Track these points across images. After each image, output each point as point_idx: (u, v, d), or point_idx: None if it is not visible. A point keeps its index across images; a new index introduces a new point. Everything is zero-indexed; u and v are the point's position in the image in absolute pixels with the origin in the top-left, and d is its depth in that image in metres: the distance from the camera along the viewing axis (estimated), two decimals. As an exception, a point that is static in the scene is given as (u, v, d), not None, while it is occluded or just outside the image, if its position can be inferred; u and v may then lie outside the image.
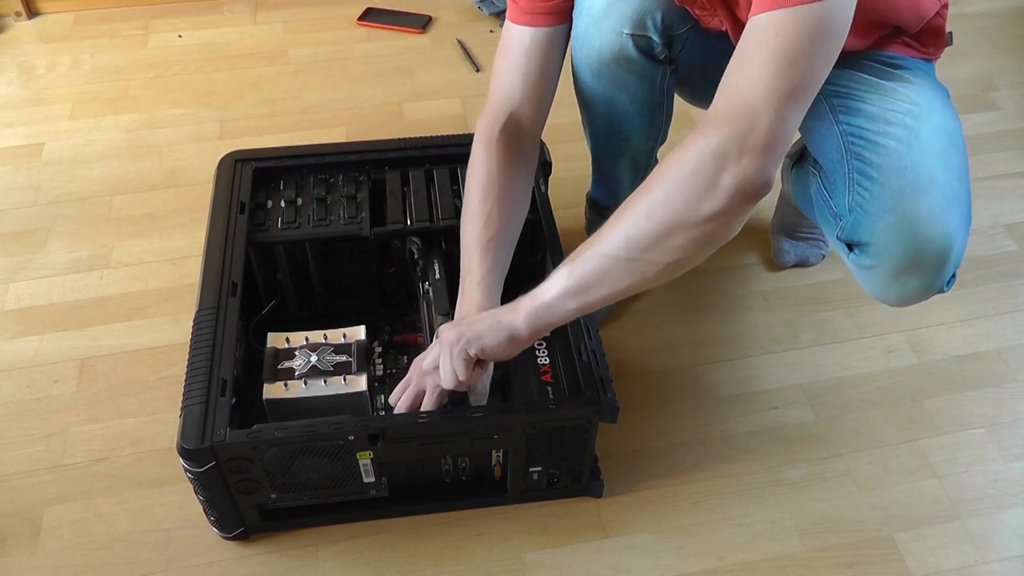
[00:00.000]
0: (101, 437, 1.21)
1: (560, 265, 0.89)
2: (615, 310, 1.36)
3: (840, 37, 0.77)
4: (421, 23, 2.00)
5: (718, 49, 1.09)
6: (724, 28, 1.03)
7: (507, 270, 1.06)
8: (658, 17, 1.08)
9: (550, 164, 1.28)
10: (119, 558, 1.08)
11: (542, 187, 1.23)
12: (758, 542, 1.10)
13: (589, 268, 0.86)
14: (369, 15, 2.03)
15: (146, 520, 1.12)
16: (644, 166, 1.27)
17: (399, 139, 1.29)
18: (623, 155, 1.25)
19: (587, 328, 1.07)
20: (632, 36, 1.10)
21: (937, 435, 1.22)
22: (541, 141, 1.28)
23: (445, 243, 1.20)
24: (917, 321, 1.35)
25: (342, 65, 1.89)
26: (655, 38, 1.10)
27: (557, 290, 0.88)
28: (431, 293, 1.15)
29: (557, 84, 1.10)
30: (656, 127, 1.22)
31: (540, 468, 1.08)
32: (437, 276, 1.16)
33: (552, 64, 1.08)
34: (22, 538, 1.10)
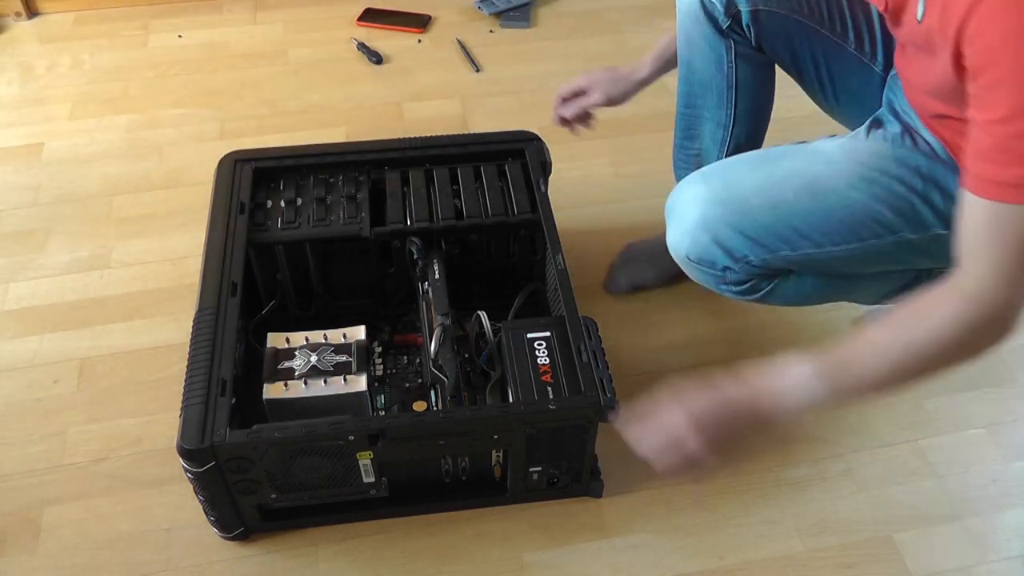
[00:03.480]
0: (101, 437, 1.21)
1: (814, 371, 0.87)
2: (615, 310, 1.36)
3: None
4: (421, 23, 2.00)
5: (803, 44, 1.13)
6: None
7: (666, 71, 1.26)
8: None
9: (550, 164, 1.28)
10: (119, 558, 1.08)
11: (542, 187, 1.23)
12: (758, 542, 1.10)
13: (845, 387, 0.87)
14: (369, 15, 2.02)
15: (146, 520, 1.12)
16: (713, 157, 1.27)
17: (399, 139, 1.29)
18: (694, 136, 1.28)
19: (587, 328, 1.07)
20: None
21: (937, 435, 1.22)
22: (541, 141, 1.29)
23: (445, 243, 1.20)
24: (917, 321, 1.35)
25: (342, 65, 1.89)
26: (719, 4, 1.13)
27: (812, 398, 0.87)
28: (431, 293, 1.15)
29: None
30: (724, 113, 1.22)
31: (540, 468, 1.08)
32: (437, 276, 1.16)
33: None
34: (22, 538, 1.10)
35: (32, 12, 2.03)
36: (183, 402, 0.98)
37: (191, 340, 1.04)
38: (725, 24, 1.15)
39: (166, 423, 1.20)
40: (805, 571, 1.08)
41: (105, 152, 1.67)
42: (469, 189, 1.24)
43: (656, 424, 0.91)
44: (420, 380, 1.17)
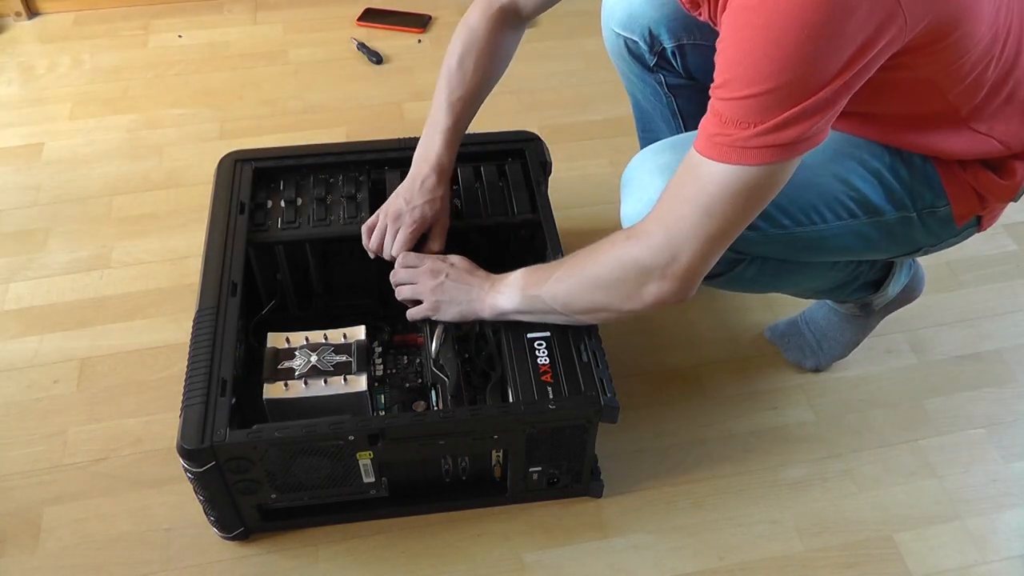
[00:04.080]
0: (101, 437, 1.21)
1: (522, 278, 1.04)
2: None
3: (765, 201, 0.84)
4: (421, 23, 2.00)
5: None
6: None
7: (469, 124, 1.17)
8: (647, 24, 1.13)
9: (550, 164, 1.28)
10: (119, 558, 1.08)
11: (542, 187, 1.23)
12: (758, 542, 1.10)
13: (536, 305, 1.03)
14: (369, 15, 2.02)
15: (146, 520, 1.12)
16: None
17: (399, 139, 1.29)
18: None
19: (587, 328, 1.07)
20: (622, 36, 1.14)
21: (937, 435, 1.22)
22: (541, 141, 1.29)
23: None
24: (917, 321, 1.35)
25: (342, 65, 1.89)
26: (642, 44, 1.14)
27: (511, 306, 1.04)
28: None
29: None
30: (677, 134, 1.23)
31: (540, 468, 1.08)
32: None
33: None
34: (22, 538, 1.10)
35: (32, 12, 2.03)
36: (183, 402, 0.98)
37: (191, 340, 1.04)
38: (652, 62, 1.19)
39: (166, 423, 1.20)
40: (805, 571, 1.08)
41: (105, 152, 1.67)
42: (469, 189, 1.23)
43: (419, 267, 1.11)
44: (420, 380, 1.17)
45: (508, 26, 1.14)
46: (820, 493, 1.15)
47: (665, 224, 0.86)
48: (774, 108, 0.75)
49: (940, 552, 1.09)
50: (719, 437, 1.22)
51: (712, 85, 0.79)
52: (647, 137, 1.34)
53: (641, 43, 1.17)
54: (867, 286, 1.17)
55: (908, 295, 1.22)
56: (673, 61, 1.19)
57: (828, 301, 1.24)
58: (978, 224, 1.01)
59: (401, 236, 1.12)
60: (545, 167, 1.27)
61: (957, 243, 1.04)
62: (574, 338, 1.07)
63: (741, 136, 0.77)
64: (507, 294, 1.04)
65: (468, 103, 1.14)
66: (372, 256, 1.15)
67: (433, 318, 1.09)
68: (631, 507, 1.13)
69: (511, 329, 1.07)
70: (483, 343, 1.12)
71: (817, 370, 1.28)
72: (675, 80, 1.22)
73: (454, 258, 1.11)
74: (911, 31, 0.76)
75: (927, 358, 1.32)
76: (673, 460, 1.19)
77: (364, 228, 1.15)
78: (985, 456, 1.19)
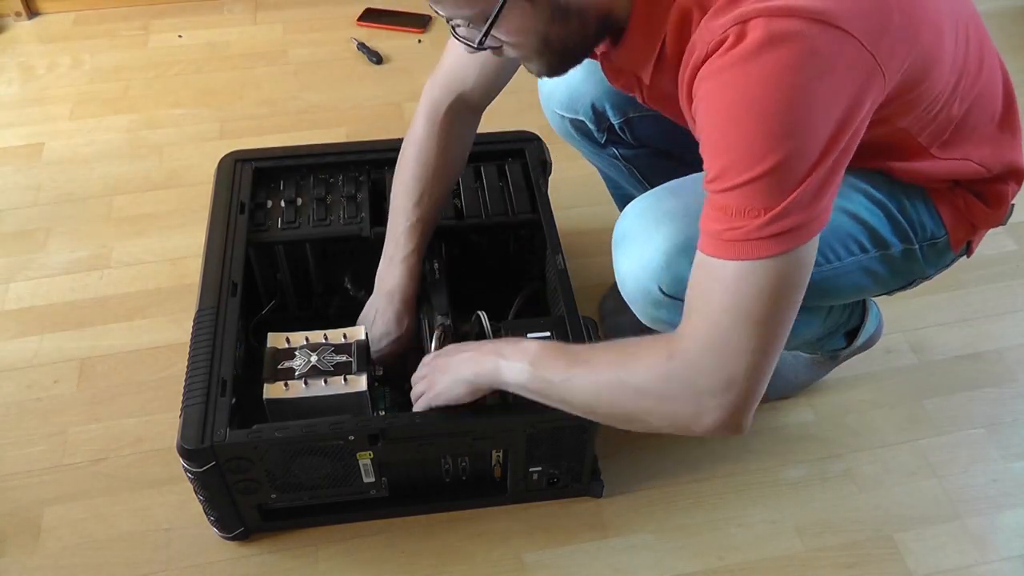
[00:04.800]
0: (101, 437, 1.21)
1: (537, 353, 0.88)
2: (616, 313, 1.36)
3: (803, 287, 0.74)
4: (421, 23, 2.00)
5: (678, 133, 1.06)
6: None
7: (431, 234, 1.13)
8: (591, 101, 1.11)
9: (550, 164, 1.28)
10: (119, 558, 1.08)
11: (542, 187, 1.23)
12: (758, 542, 1.10)
13: (546, 390, 0.87)
14: (369, 15, 2.02)
15: (146, 520, 1.12)
16: None
17: (399, 139, 1.28)
18: None
19: (587, 328, 1.07)
20: (566, 118, 1.13)
21: (937, 435, 1.22)
22: (541, 141, 1.29)
23: (445, 243, 1.20)
24: (917, 321, 1.35)
25: (342, 65, 1.89)
26: (589, 123, 1.14)
27: (517, 380, 0.89)
28: (430, 292, 1.14)
29: (511, 77, 1.07)
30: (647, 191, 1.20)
31: (540, 468, 1.08)
32: (437, 275, 1.15)
33: (514, 67, 1.05)
34: (22, 538, 1.10)
35: (32, 12, 2.03)
36: (183, 402, 0.98)
37: (191, 340, 1.04)
38: (602, 139, 1.17)
39: (166, 423, 1.20)
40: (805, 571, 1.08)
41: (105, 152, 1.67)
42: (469, 189, 1.23)
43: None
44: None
45: (460, 124, 1.10)
46: (820, 493, 1.15)
47: (711, 344, 0.74)
48: (780, 188, 0.69)
49: (940, 552, 1.09)
50: (719, 437, 1.21)
51: (705, 179, 0.73)
52: (619, 195, 1.32)
53: (587, 122, 1.15)
54: (845, 336, 1.19)
55: (869, 343, 1.23)
56: (622, 134, 1.16)
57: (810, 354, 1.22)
58: (967, 250, 0.99)
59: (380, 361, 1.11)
60: (545, 167, 1.27)
61: (944, 271, 1.01)
62: (574, 338, 1.07)
63: (755, 225, 0.70)
64: (515, 365, 0.88)
65: (429, 221, 1.10)
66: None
67: (428, 397, 0.98)
68: (631, 507, 1.13)
69: (511, 329, 1.07)
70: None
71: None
72: (628, 151, 1.19)
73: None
74: (890, 84, 0.73)
75: (927, 358, 1.32)
76: (673, 460, 1.19)
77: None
78: (985, 456, 1.19)
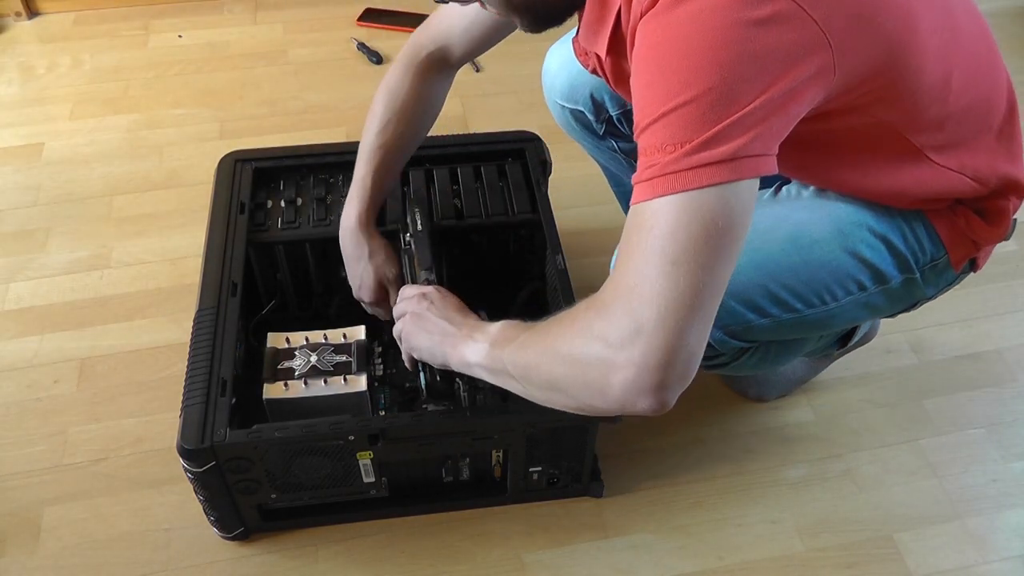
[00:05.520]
0: (101, 437, 1.21)
1: (498, 332, 0.84)
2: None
3: (733, 238, 0.67)
4: (421, 23, 2.00)
5: None
6: None
7: (396, 177, 1.13)
8: (589, 92, 1.11)
9: (550, 164, 1.28)
10: (119, 558, 1.08)
11: (542, 187, 1.23)
12: (758, 542, 1.10)
13: (496, 366, 0.83)
14: (369, 15, 2.02)
15: (146, 520, 1.12)
16: None
17: (399, 139, 1.29)
18: None
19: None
20: (567, 108, 1.13)
21: (937, 435, 1.22)
22: (541, 141, 1.29)
23: (445, 243, 1.20)
24: (917, 321, 1.35)
25: (342, 65, 1.89)
26: (588, 114, 1.13)
27: (476, 359, 0.86)
28: (413, 246, 1.11)
29: (495, 44, 1.09)
30: None
31: (540, 468, 1.08)
32: (419, 227, 1.12)
33: (499, 33, 1.06)
34: (22, 538, 1.10)
35: (32, 12, 2.03)
36: (183, 402, 0.98)
37: (191, 340, 1.04)
38: (601, 130, 1.18)
39: (166, 423, 1.20)
40: (805, 571, 1.08)
41: (105, 152, 1.67)
42: (469, 189, 1.23)
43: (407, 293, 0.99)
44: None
45: (436, 72, 1.11)
46: (820, 493, 1.15)
47: (621, 288, 0.68)
48: (697, 121, 0.64)
49: (940, 552, 1.09)
50: (719, 437, 1.22)
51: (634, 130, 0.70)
52: (622, 192, 1.33)
53: (587, 112, 1.15)
54: (837, 341, 1.18)
55: (864, 340, 1.23)
56: (620, 127, 1.17)
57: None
58: (973, 266, 0.97)
59: (371, 309, 1.14)
60: (545, 167, 1.27)
61: (952, 288, 1.00)
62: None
63: (671, 158, 0.65)
64: (477, 346, 0.86)
65: (391, 150, 1.10)
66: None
67: (402, 343, 0.97)
68: (631, 507, 1.13)
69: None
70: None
71: (759, 400, 1.25)
72: (627, 144, 1.19)
73: (446, 292, 0.97)
74: (845, 67, 0.69)
75: (927, 358, 1.32)
76: (673, 460, 1.19)
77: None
78: (985, 456, 1.19)
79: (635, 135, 0.69)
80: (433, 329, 0.93)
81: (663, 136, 0.66)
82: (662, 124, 0.66)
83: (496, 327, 0.86)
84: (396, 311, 1.00)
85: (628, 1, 0.73)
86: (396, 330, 0.99)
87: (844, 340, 1.20)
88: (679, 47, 0.65)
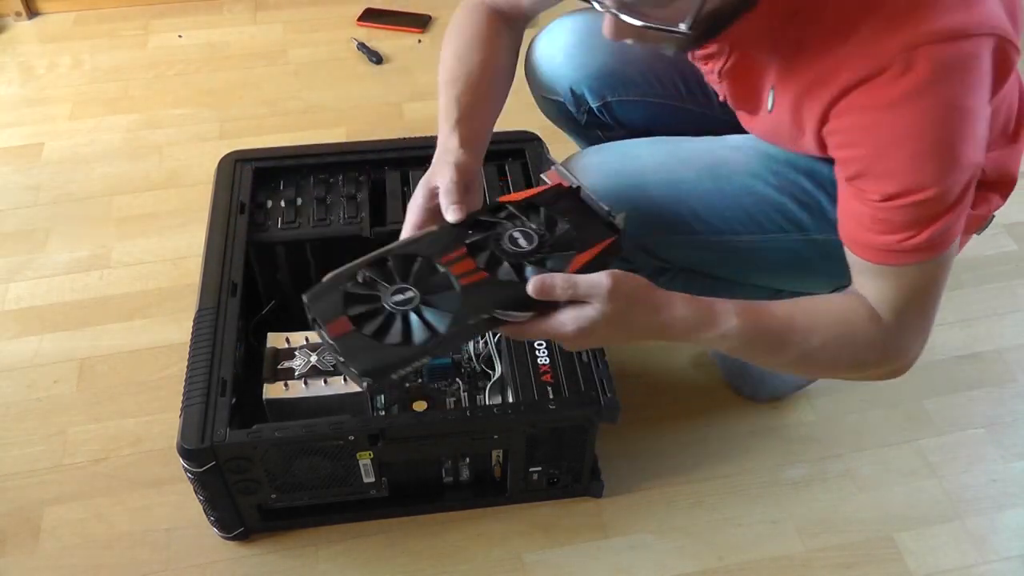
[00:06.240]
0: (101, 437, 1.21)
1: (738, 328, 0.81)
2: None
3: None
4: (421, 23, 2.00)
5: (657, 117, 1.09)
6: (722, 97, 0.97)
7: (487, 139, 0.95)
8: (568, 85, 1.10)
9: (550, 164, 1.28)
10: (119, 558, 1.08)
11: (542, 187, 1.23)
12: (758, 542, 1.10)
13: (751, 350, 0.84)
14: (369, 15, 2.02)
15: (146, 520, 1.12)
16: None
17: (399, 139, 1.29)
18: None
19: (587, 328, 1.07)
20: (547, 99, 1.12)
21: (937, 435, 1.22)
22: (541, 141, 1.28)
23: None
24: (917, 321, 1.35)
25: (342, 65, 1.89)
26: (569, 105, 1.12)
27: (727, 340, 0.81)
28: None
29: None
30: None
31: (540, 468, 1.08)
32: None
33: None
34: (22, 538, 1.10)
35: (32, 12, 2.03)
36: (183, 402, 0.98)
37: (191, 340, 1.04)
38: (583, 120, 1.17)
39: (166, 423, 1.20)
40: (805, 571, 1.08)
41: (105, 152, 1.67)
42: (469, 189, 1.23)
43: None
44: (420, 380, 1.17)
45: (508, 28, 1.02)
46: (820, 493, 1.15)
47: (912, 325, 0.84)
48: (947, 200, 0.75)
49: (940, 552, 1.09)
50: (719, 437, 1.22)
51: (866, 194, 0.77)
52: None
53: (567, 104, 1.15)
54: None
55: None
56: (602, 116, 1.17)
57: None
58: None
59: (445, 201, 0.84)
60: (545, 167, 1.26)
61: None
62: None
63: (929, 234, 0.76)
64: (720, 344, 0.82)
65: (474, 100, 0.94)
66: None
67: (569, 343, 0.80)
68: (631, 507, 1.13)
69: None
70: (483, 343, 1.13)
71: (753, 399, 1.25)
72: (611, 132, 1.19)
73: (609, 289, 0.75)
74: None
75: (927, 358, 1.29)
76: (673, 460, 1.19)
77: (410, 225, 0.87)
78: (985, 456, 1.19)
79: (877, 202, 0.76)
80: (633, 332, 0.79)
81: (918, 214, 0.76)
82: (919, 207, 0.75)
83: (733, 319, 0.80)
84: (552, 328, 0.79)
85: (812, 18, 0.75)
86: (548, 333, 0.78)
87: None
88: (930, 140, 0.73)
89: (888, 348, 0.84)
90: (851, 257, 0.83)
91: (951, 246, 0.79)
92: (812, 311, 0.84)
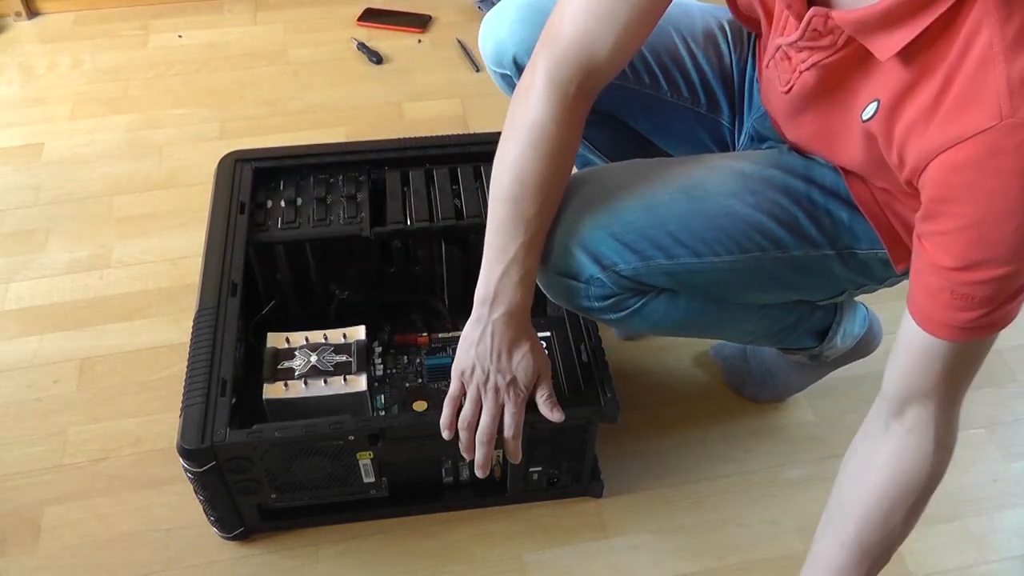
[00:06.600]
0: (101, 437, 1.21)
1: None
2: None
3: None
4: (421, 23, 2.00)
5: (631, 108, 1.06)
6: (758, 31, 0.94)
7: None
8: (512, 54, 1.04)
9: (550, 164, 1.28)
10: (119, 558, 1.08)
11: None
12: (758, 542, 1.10)
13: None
14: (369, 15, 2.02)
15: (146, 520, 1.12)
16: None
17: (399, 139, 1.29)
18: None
19: (587, 328, 1.07)
20: (497, 72, 1.10)
21: (937, 435, 1.22)
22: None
23: (445, 243, 1.20)
24: (917, 321, 1.35)
25: (342, 65, 1.89)
26: (514, 78, 1.05)
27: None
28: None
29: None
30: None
31: (540, 468, 1.08)
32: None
33: (646, 22, 0.86)
34: (22, 538, 1.10)
35: (32, 12, 2.03)
36: (183, 402, 0.98)
37: (191, 340, 1.04)
38: None
39: (166, 423, 1.20)
40: (805, 571, 1.08)
41: (105, 152, 1.67)
42: (469, 189, 1.23)
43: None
44: (420, 380, 1.17)
45: (586, 108, 0.90)
46: (820, 493, 1.15)
47: (953, 415, 0.81)
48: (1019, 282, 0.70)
49: (940, 552, 1.09)
50: (719, 437, 1.22)
51: (951, 266, 0.70)
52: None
53: (513, 76, 1.07)
54: (811, 335, 1.12)
55: (863, 348, 1.18)
56: None
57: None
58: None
59: (509, 420, 0.94)
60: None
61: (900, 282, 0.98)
62: (574, 338, 1.07)
63: (999, 314, 0.72)
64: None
65: (546, 230, 0.90)
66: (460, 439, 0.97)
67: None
68: (631, 507, 1.14)
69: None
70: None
71: (754, 400, 1.26)
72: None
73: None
74: None
75: (927, 358, 1.31)
76: (673, 460, 1.19)
77: (448, 407, 0.96)
78: (985, 456, 1.19)
79: (956, 271, 0.70)
80: None
81: (994, 292, 0.70)
82: (997, 283, 0.69)
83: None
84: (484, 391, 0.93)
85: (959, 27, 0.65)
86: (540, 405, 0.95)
87: (820, 338, 1.14)
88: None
89: (948, 443, 0.82)
90: (911, 329, 0.77)
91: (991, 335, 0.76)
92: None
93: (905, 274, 0.90)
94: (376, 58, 1.89)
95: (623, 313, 0.95)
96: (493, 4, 2.02)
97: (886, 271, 0.95)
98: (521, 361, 0.92)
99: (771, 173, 0.92)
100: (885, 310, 1.23)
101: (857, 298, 1.11)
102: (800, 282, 0.96)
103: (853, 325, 1.14)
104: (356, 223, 1.19)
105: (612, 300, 0.93)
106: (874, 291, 1.01)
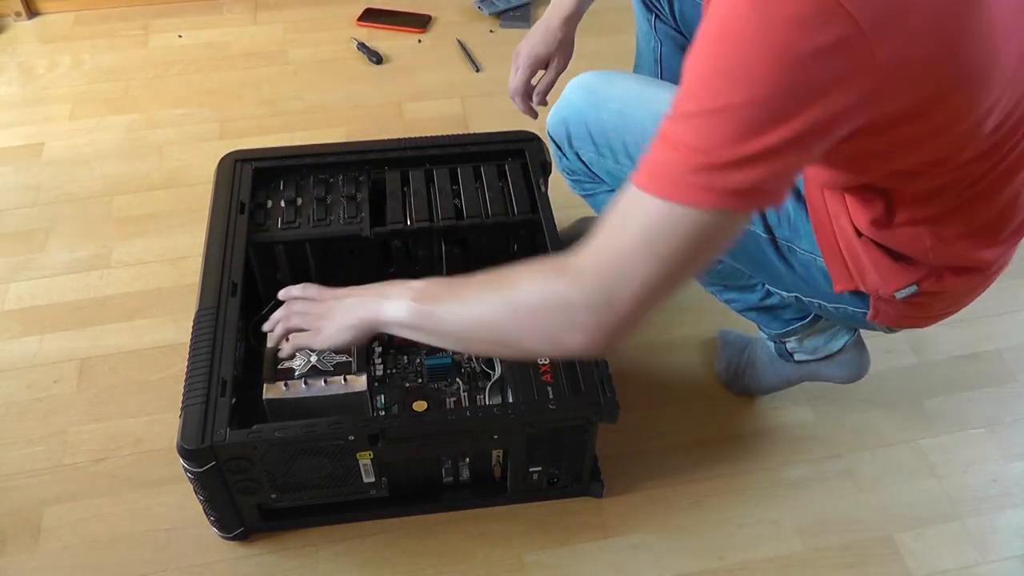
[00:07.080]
0: (101, 437, 1.21)
1: (417, 289, 0.84)
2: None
3: (719, 251, 0.70)
4: (421, 23, 2.00)
5: None
6: None
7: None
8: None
9: (550, 164, 1.28)
10: (119, 558, 1.08)
11: (542, 187, 1.23)
12: (758, 542, 1.10)
13: (426, 323, 0.83)
14: (369, 15, 2.02)
15: (146, 520, 1.12)
16: None
17: (399, 139, 1.29)
18: None
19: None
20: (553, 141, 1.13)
21: (937, 435, 1.22)
22: (541, 141, 1.28)
23: (445, 243, 1.20)
24: (917, 321, 1.35)
25: (342, 65, 1.89)
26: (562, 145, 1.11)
27: (397, 318, 0.84)
28: None
29: None
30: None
31: (540, 468, 1.08)
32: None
33: None
34: (22, 538, 1.10)
35: (32, 12, 2.03)
36: (183, 402, 0.98)
37: (191, 340, 1.04)
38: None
39: (166, 423, 1.20)
40: (805, 571, 1.08)
41: (105, 152, 1.67)
42: (469, 189, 1.24)
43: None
44: (420, 380, 1.17)
45: None
46: (820, 493, 1.15)
47: (602, 261, 0.70)
48: (730, 134, 0.62)
49: (940, 552, 1.09)
50: (719, 437, 1.22)
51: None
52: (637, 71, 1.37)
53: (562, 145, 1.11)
54: (796, 322, 1.11)
55: (835, 371, 1.17)
56: (664, 2, 1.21)
57: (768, 341, 1.18)
58: (875, 315, 0.92)
59: (516, 77, 1.18)
60: (545, 167, 1.27)
61: (860, 325, 0.98)
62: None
63: (691, 166, 0.64)
64: (396, 303, 0.84)
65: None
66: None
67: (306, 341, 0.93)
68: (631, 507, 1.13)
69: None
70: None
71: (727, 387, 1.26)
72: (663, 26, 1.24)
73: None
74: (889, 100, 0.64)
75: (927, 358, 1.32)
76: (673, 460, 1.19)
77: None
78: (985, 456, 1.20)
79: (669, 107, 0.67)
80: (339, 309, 0.90)
81: (693, 134, 0.64)
82: (697, 122, 0.64)
83: (417, 282, 0.85)
84: (276, 317, 0.98)
85: None
86: (284, 329, 0.96)
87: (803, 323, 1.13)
88: (732, 43, 0.62)
89: (558, 292, 0.73)
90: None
91: (720, 211, 0.65)
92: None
93: (885, 329, 0.94)
94: (376, 58, 1.89)
95: (583, 192, 1.13)
96: (494, 4, 2.02)
97: (831, 287, 0.92)
98: (539, 43, 1.18)
99: None
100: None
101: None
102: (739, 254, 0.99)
103: (821, 338, 1.13)
104: (356, 223, 1.19)
105: (576, 178, 1.12)
106: (857, 327, 1.00)
